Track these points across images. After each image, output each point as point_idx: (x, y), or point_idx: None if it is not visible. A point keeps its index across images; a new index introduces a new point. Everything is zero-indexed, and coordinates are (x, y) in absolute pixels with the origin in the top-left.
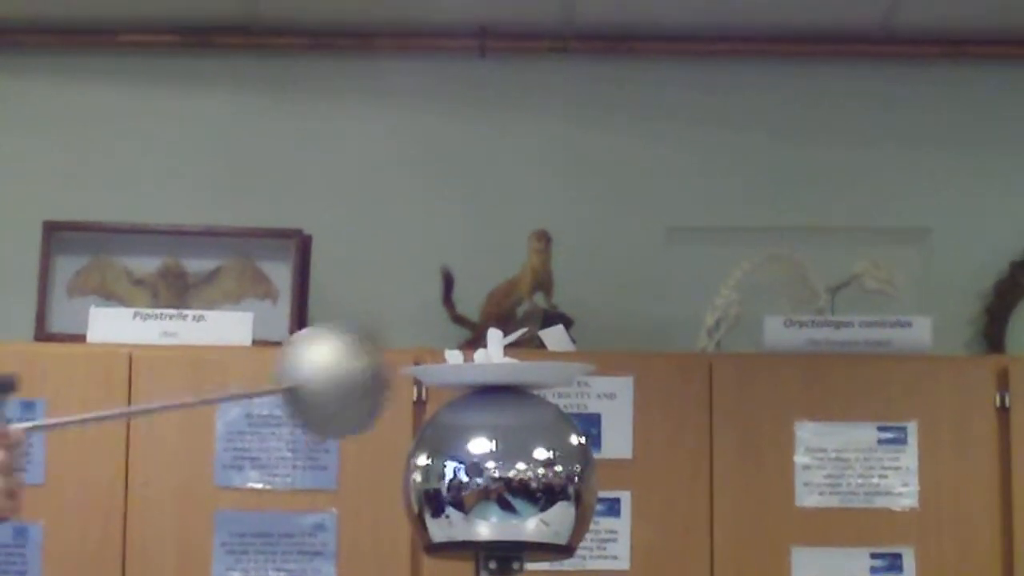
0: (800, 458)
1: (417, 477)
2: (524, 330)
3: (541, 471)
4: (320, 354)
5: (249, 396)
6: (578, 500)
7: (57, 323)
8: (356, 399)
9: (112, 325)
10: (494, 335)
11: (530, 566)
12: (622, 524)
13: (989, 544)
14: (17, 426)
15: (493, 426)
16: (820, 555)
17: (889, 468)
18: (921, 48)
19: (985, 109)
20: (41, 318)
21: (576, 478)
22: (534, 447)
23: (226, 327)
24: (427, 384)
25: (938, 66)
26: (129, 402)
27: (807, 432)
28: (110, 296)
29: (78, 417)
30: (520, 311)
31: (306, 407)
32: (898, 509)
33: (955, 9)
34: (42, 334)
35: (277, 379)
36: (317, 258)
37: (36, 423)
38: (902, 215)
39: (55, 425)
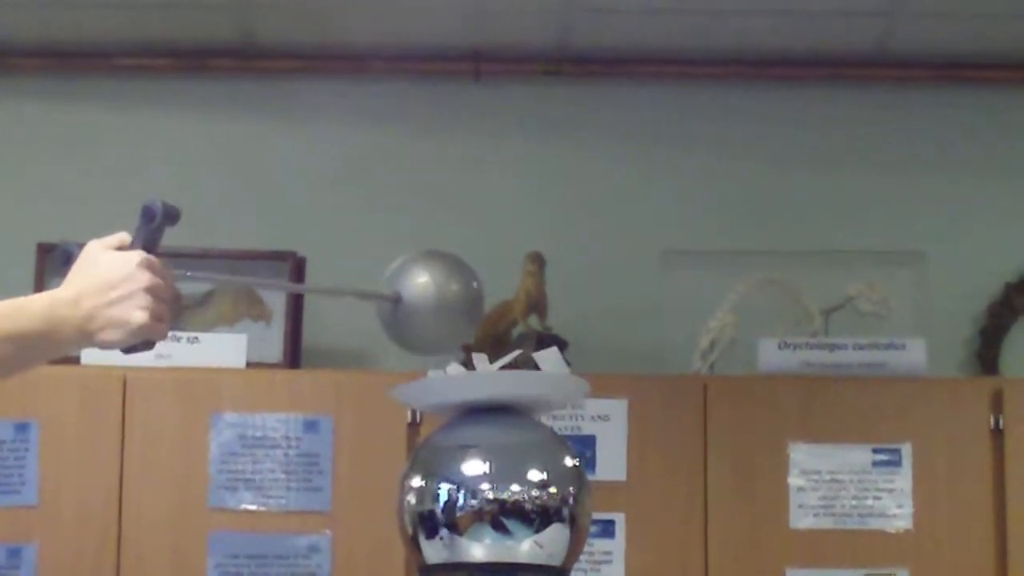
0: (794, 480)
1: (411, 499)
2: (518, 352)
3: (535, 493)
4: (428, 272)
5: (355, 294)
6: (572, 522)
7: None
8: (452, 320)
9: None
10: (481, 361)
11: None
12: (616, 546)
13: (983, 565)
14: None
15: (487, 448)
16: None
17: (883, 490)
18: (915, 72)
19: (979, 132)
20: None
21: (570, 500)
22: (528, 469)
23: (220, 349)
24: (418, 410)
25: (932, 90)
26: (123, 424)
27: (801, 454)
28: None
29: (227, 277)
30: (514, 333)
31: (403, 321)
32: (892, 531)
33: (949, 33)
34: None
35: (386, 286)
36: (311, 280)
37: (187, 273)
38: (896, 238)
39: (202, 278)
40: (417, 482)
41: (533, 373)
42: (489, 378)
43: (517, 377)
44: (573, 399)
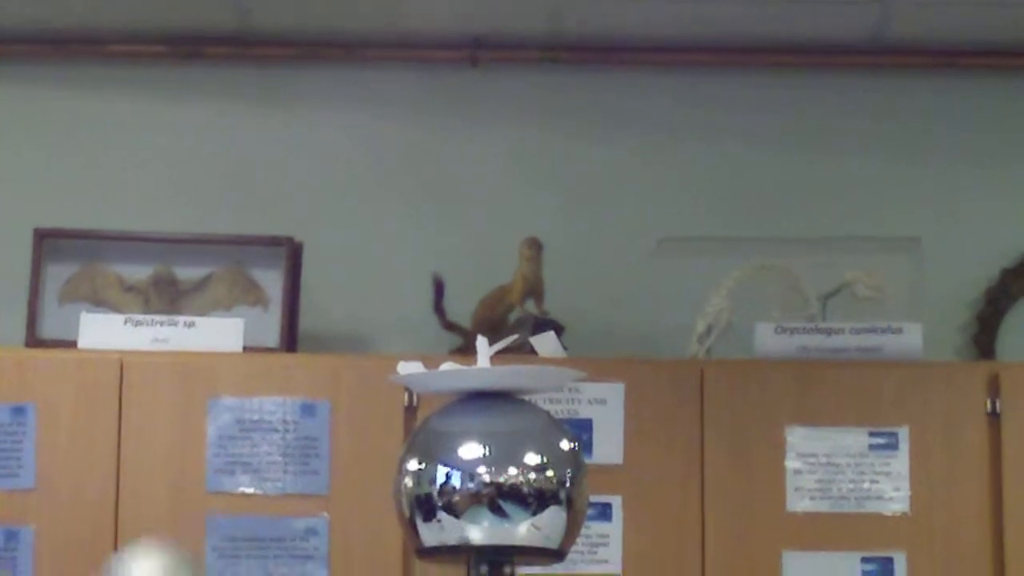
0: (791, 463)
1: (408, 482)
2: (515, 336)
3: (532, 476)
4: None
5: None
6: (569, 505)
7: (48, 329)
8: None
9: (103, 331)
10: (482, 344)
11: (522, 570)
12: (613, 529)
13: (980, 549)
14: None
15: (484, 431)
16: (811, 560)
17: (880, 473)
18: (911, 59)
19: (975, 118)
20: (32, 325)
21: (567, 483)
22: (525, 452)
23: (217, 334)
24: (416, 391)
25: (928, 76)
26: (120, 408)
27: (798, 437)
28: (101, 303)
29: None
30: (511, 318)
31: None
32: (889, 514)
33: (945, 20)
34: (33, 340)
35: None
36: (308, 265)
37: None
38: (893, 223)
39: None
40: (415, 465)
41: (525, 368)
42: (477, 371)
43: (507, 368)
44: (565, 384)
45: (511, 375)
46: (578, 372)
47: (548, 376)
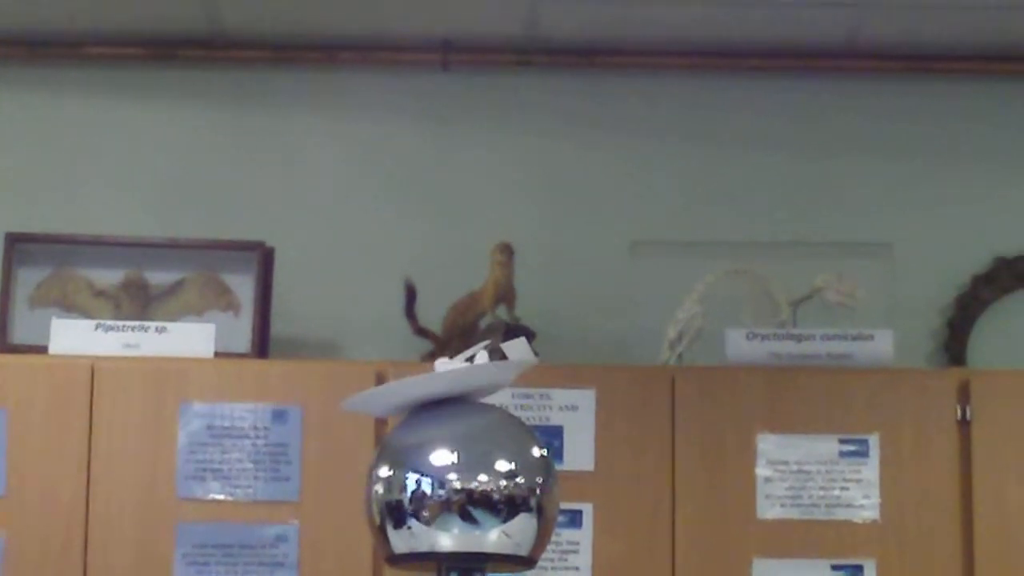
0: (762, 470)
1: (379, 489)
2: (486, 342)
3: (503, 483)
4: None
5: None
6: (540, 512)
7: (19, 334)
8: None
9: (74, 336)
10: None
11: None
12: (584, 536)
13: (950, 556)
14: None
15: (455, 438)
16: (781, 567)
17: (851, 480)
18: (884, 63)
19: (947, 124)
20: (2, 329)
21: (538, 490)
22: (496, 459)
23: (188, 339)
24: (365, 413)
25: (901, 81)
26: (91, 413)
27: (769, 444)
28: (72, 308)
29: None
30: (482, 323)
31: None
32: (859, 521)
33: (918, 25)
34: (4, 345)
35: None
36: (280, 270)
37: None
38: (864, 229)
39: None
40: (385, 472)
41: (465, 368)
42: (422, 381)
43: (453, 375)
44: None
45: (455, 381)
46: (519, 364)
47: (493, 374)
